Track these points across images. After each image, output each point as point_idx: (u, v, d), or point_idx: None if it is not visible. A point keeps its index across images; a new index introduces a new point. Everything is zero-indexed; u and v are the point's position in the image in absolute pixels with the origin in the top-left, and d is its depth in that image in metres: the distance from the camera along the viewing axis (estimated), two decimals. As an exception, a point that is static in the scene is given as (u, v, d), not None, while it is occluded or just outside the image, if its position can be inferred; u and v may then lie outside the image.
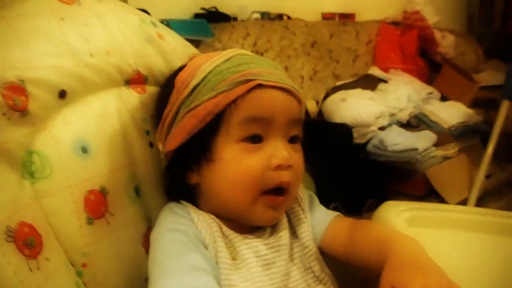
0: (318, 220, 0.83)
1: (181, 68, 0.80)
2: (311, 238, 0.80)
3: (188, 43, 0.99)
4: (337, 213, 0.85)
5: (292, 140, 0.77)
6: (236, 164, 0.72)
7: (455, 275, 0.62)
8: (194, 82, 0.74)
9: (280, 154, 0.72)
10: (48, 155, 0.68)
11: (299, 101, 0.78)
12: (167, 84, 0.82)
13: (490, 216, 0.93)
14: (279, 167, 0.72)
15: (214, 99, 0.72)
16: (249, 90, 0.72)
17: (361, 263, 0.77)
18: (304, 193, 0.86)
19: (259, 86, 0.72)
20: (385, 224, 0.84)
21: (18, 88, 0.65)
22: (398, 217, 0.89)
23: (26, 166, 0.65)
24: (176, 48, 0.94)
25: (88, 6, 0.82)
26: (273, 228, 0.79)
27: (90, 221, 0.72)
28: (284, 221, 0.80)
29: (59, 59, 0.72)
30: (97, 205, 0.74)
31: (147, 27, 0.91)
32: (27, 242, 0.61)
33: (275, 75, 0.75)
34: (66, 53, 0.74)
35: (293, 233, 0.81)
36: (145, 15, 0.93)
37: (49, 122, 0.70)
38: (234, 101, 0.72)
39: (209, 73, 0.74)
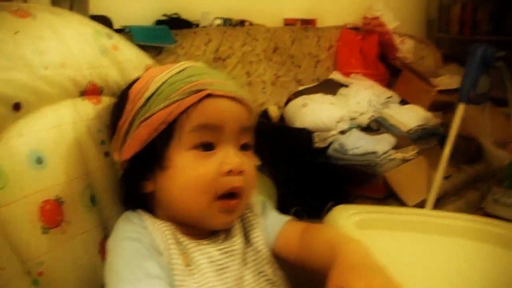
0: (271, 225, 0.85)
1: (135, 80, 0.82)
2: (264, 243, 0.82)
3: (143, 54, 1.00)
4: (289, 217, 0.87)
5: (243, 147, 0.79)
6: (189, 171, 0.74)
7: (403, 275, 0.63)
8: (148, 93, 0.76)
9: (231, 160, 0.75)
10: (3, 166, 0.69)
11: (250, 110, 0.80)
12: (122, 95, 0.84)
13: (438, 217, 0.97)
14: (230, 173, 0.75)
15: (167, 109, 0.74)
16: (200, 100, 0.74)
17: (312, 266, 0.78)
18: (257, 199, 0.88)
19: (210, 95, 0.75)
20: (335, 227, 0.87)
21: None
22: (347, 220, 0.92)
23: (-20, 178, 0.66)
24: (131, 59, 0.95)
25: (43, 19, 0.84)
26: (227, 233, 0.81)
27: (45, 231, 0.73)
28: (238, 226, 0.83)
29: (12, 72, 0.73)
30: (52, 215, 0.75)
31: (102, 39, 0.92)
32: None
33: (226, 85, 0.78)
34: (20, 66, 0.75)
35: (246, 238, 0.83)
36: (101, 27, 0.94)
37: (4, 134, 0.71)
38: (186, 110, 0.74)
39: (162, 84, 0.77)
